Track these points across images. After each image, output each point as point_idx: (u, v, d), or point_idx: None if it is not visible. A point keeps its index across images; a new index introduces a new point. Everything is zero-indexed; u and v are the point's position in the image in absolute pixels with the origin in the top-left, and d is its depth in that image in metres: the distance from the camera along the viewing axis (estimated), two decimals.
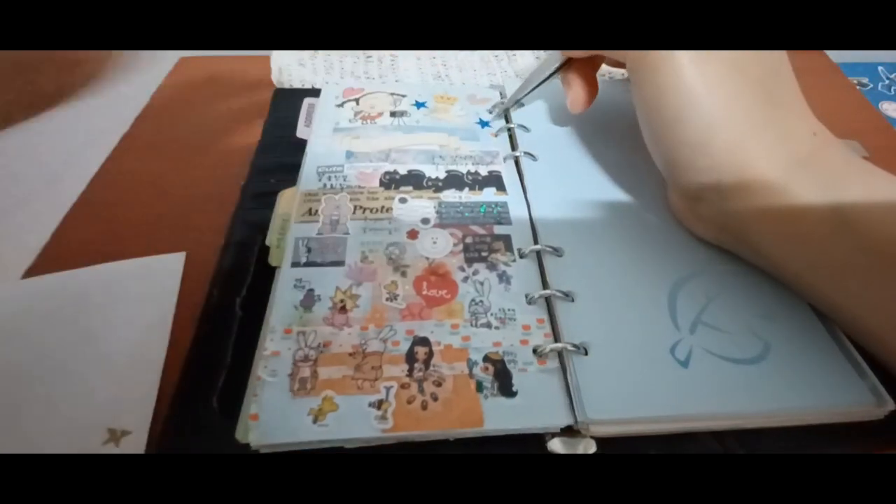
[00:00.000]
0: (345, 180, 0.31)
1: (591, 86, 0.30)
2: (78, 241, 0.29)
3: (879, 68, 0.45)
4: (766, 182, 0.23)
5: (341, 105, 0.37)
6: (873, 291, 0.22)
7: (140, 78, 0.43)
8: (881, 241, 0.21)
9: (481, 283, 0.26)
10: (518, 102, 0.36)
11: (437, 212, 0.29)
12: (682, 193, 0.27)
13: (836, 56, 0.46)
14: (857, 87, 0.44)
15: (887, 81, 0.44)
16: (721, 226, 0.26)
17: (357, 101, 0.37)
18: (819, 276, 0.23)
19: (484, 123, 0.36)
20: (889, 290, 0.21)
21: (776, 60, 0.24)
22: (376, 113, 0.36)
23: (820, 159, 0.23)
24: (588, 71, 0.31)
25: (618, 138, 0.34)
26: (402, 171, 0.32)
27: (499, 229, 0.29)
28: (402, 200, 0.30)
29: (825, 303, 0.24)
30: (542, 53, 0.43)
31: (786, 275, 0.25)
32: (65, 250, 0.29)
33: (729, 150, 0.23)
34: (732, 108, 0.23)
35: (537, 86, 0.33)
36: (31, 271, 0.28)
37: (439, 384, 0.22)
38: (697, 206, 0.26)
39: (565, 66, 0.31)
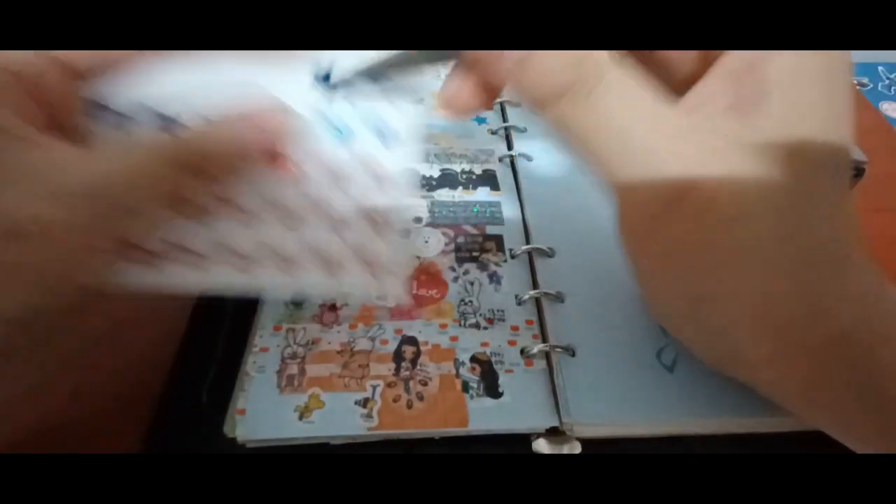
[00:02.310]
0: None
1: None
2: None
3: (879, 68, 0.45)
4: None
5: None
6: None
7: None
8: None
9: (471, 283, 0.26)
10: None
11: (430, 211, 0.30)
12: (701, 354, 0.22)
13: None
14: (857, 87, 0.43)
15: (887, 81, 0.44)
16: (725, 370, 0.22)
17: None
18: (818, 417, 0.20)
19: (480, 120, 0.36)
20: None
21: (836, 224, 0.18)
22: None
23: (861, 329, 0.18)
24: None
25: None
26: None
27: (491, 229, 0.29)
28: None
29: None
30: None
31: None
32: None
33: (786, 326, 0.18)
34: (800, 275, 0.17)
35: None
36: None
37: (425, 383, 0.22)
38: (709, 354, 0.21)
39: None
